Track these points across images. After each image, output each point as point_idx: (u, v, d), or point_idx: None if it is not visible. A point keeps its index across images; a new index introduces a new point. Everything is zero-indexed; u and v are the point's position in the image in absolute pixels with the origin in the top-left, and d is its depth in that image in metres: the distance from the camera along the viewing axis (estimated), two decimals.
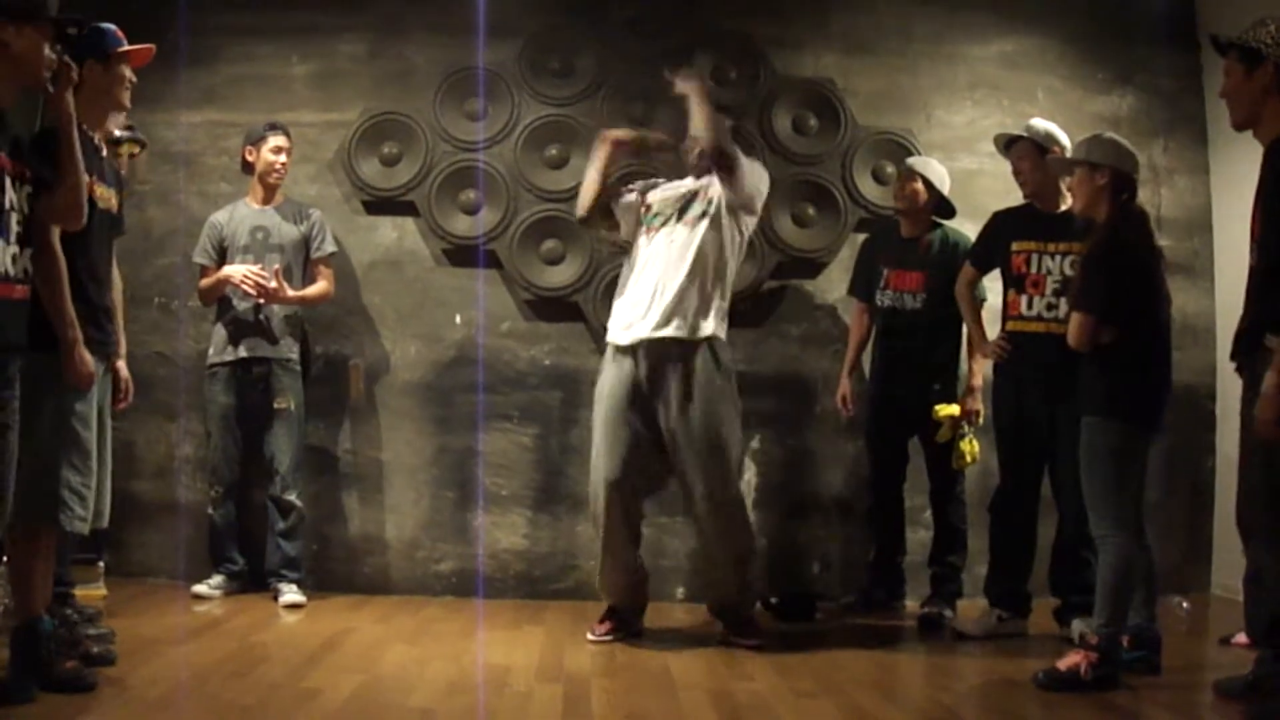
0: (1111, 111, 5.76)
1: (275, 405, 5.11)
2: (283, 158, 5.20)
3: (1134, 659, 3.93)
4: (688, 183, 4.60)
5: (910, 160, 5.20)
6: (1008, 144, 4.80)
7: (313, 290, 5.20)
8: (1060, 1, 5.80)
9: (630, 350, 4.46)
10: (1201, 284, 5.73)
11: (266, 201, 5.23)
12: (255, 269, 5.03)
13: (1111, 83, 5.80)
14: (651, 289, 4.45)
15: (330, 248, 5.27)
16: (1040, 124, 4.74)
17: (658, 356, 4.42)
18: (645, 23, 5.60)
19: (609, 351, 4.57)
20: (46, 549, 3.56)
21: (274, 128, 5.20)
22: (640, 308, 4.46)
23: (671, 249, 4.47)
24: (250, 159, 5.21)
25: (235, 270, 5.05)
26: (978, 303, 4.96)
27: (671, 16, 5.62)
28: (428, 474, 5.46)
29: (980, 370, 4.99)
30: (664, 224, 4.53)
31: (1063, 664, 3.84)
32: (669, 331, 4.40)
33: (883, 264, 5.13)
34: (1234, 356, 3.69)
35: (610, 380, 4.51)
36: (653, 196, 4.64)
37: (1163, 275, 4.04)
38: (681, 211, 4.52)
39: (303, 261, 5.23)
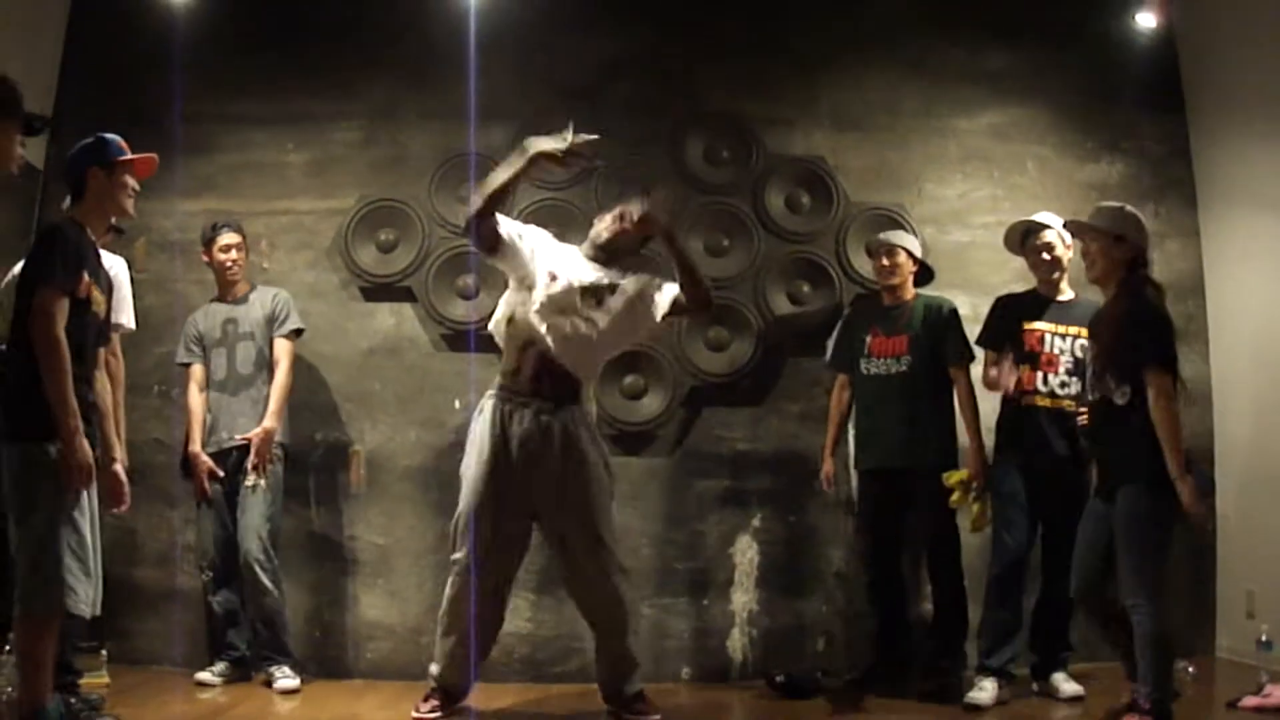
0: (1101, 179, 5.82)
1: (245, 483, 5.05)
2: (233, 254, 5.21)
3: None
4: (601, 273, 4.49)
5: (882, 236, 5.21)
6: (1023, 237, 4.95)
7: (278, 396, 5.13)
8: (1046, 71, 5.86)
9: None
10: (1196, 347, 5.73)
11: (230, 297, 5.26)
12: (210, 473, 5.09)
13: (1100, 149, 5.85)
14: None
15: (293, 324, 5.24)
16: (1048, 218, 4.91)
17: None
18: (638, 105, 5.67)
19: None
20: (52, 635, 3.59)
21: (223, 226, 5.23)
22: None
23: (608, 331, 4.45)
24: (206, 260, 5.26)
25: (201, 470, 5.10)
26: (968, 361, 5.01)
27: (663, 98, 5.69)
28: (430, 559, 5.42)
29: (977, 434, 4.97)
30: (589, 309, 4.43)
31: None
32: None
33: (865, 333, 5.14)
34: None
35: None
36: (570, 280, 4.42)
37: None
38: (599, 301, 4.44)
39: (270, 341, 5.23)
